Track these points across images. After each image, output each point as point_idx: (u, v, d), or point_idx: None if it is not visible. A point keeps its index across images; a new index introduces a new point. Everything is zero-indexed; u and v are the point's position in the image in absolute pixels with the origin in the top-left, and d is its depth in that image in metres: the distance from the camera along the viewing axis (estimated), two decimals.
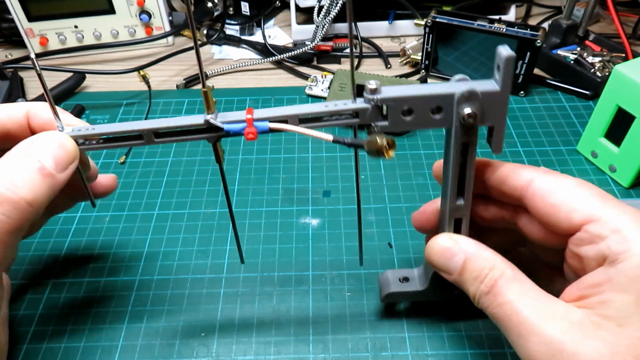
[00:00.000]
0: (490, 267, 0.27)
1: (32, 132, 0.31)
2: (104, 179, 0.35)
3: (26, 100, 0.57)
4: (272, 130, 0.27)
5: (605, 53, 0.59)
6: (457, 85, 0.26)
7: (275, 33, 0.72)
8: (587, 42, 0.62)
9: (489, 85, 0.26)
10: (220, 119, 0.27)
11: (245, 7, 0.70)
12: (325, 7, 0.63)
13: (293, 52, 0.63)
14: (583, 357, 0.23)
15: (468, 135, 0.26)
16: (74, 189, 0.32)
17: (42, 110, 0.31)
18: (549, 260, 0.31)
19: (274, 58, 0.65)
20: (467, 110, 0.25)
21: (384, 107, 0.26)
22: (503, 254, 0.28)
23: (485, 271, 0.27)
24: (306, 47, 0.64)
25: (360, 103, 0.26)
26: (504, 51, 0.25)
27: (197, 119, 0.27)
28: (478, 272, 0.27)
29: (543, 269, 0.32)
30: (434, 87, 0.26)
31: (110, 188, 0.36)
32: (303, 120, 0.27)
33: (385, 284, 0.36)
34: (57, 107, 0.28)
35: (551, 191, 0.27)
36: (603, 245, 0.25)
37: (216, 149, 0.29)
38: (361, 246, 0.34)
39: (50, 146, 0.27)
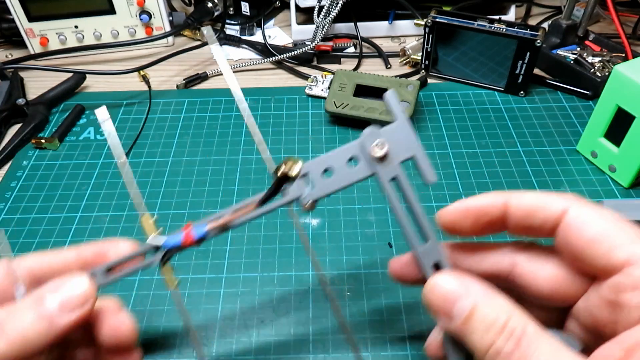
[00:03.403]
0: (507, 318, 0.22)
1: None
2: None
3: (26, 100, 0.57)
4: (210, 233, 0.27)
5: (605, 53, 0.59)
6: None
7: (276, 33, 0.72)
8: (587, 42, 0.62)
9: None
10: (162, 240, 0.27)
11: (245, 7, 0.70)
12: (325, 8, 0.63)
13: (293, 52, 0.63)
14: None
15: (389, 169, 0.27)
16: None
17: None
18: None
19: (274, 58, 0.65)
20: (373, 143, 0.27)
21: (309, 178, 0.28)
22: None
23: (501, 321, 0.22)
24: (306, 47, 0.64)
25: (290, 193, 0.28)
26: (387, 95, 0.27)
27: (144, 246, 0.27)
28: (491, 322, 0.22)
29: None
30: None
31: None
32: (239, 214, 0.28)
33: None
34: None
35: (590, 224, 0.23)
36: None
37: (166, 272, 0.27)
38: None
39: (60, 287, 0.25)
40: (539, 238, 0.26)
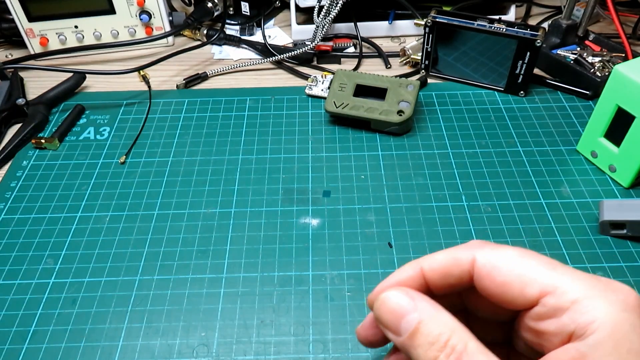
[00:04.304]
0: (449, 334, 0.23)
1: None
2: None
3: (26, 100, 0.57)
4: None
5: (605, 53, 0.59)
6: None
7: (275, 33, 0.72)
8: (587, 42, 0.62)
9: None
10: None
11: (245, 7, 0.70)
12: (325, 7, 0.63)
13: (293, 52, 0.63)
14: None
15: None
16: None
17: None
18: (493, 335, 0.29)
19: (274, 58, 0.65)
20: None
21: None
22: None
23: (444, 337, 0.23)
24: (306, 47, 0.64)
25: None
26: None
27: None
28: (435, 337, 0.23)
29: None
30: None
31: None
32: None
33: None
34: None
35: (497, 268, 0.25)
36: (566, 319, 0.23)
37: None
38: None
39: None
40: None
